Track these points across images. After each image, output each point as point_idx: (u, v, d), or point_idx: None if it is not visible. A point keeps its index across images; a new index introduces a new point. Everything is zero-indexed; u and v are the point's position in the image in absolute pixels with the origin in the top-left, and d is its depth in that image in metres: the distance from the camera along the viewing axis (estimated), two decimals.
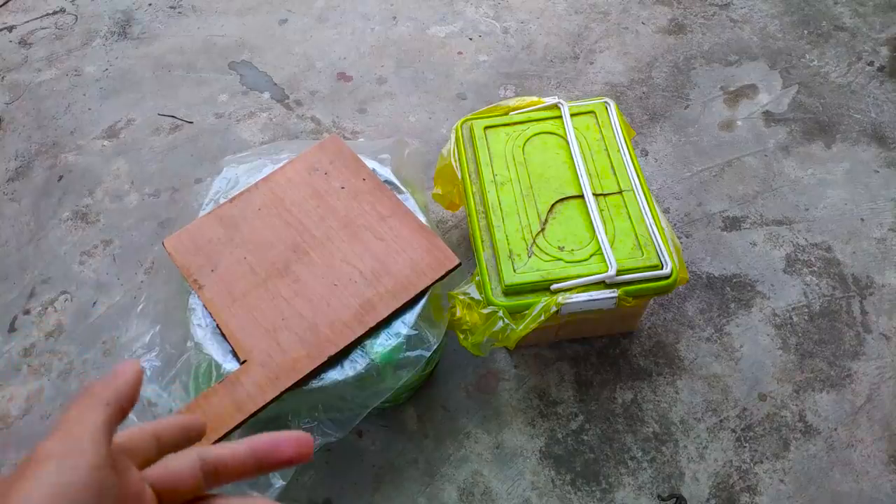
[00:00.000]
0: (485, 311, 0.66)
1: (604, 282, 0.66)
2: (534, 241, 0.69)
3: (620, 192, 0.72)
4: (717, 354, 0.82)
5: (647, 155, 1.02)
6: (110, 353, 0.86)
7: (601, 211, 0.70)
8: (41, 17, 1.31)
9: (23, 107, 1.15)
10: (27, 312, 0.91)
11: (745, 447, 0.75)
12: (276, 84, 1.16)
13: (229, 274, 0.66)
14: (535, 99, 0.81)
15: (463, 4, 1.25)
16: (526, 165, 0.75)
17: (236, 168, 0.76)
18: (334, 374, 0.61)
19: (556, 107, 0.79)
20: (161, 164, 1.06)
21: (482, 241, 0.70)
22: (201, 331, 0.64)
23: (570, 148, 0.75)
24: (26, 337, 0.89)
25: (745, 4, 1.21)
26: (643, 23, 1.20)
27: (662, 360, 0.82)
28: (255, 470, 0.28)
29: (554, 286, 0.66)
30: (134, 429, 0.27)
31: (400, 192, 0.73)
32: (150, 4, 1.31)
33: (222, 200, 0.72)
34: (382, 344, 0.62)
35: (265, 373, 0.59)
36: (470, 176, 0.75)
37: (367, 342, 0.62)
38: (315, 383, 0.60)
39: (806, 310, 0.85)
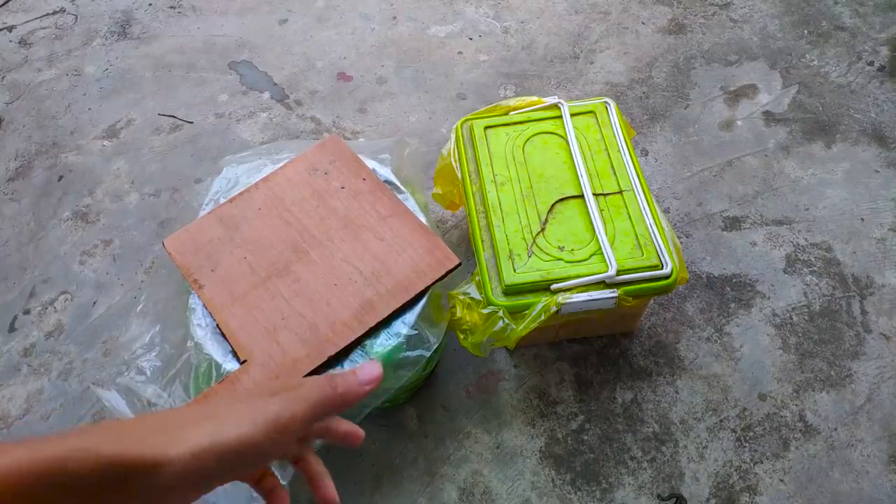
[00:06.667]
0: (485, 311, 0.66)
1: (604, 282, 0.66)
2: (534, 241, 0.69)
3: (620, 192, 0.72)
4: (717, 354, 0.82)
5: (647, 155, 1.02)
6: (110, 353, 0.86)
7: (601, 211, 0.70)
8: (41, 17, 1.31)
9: (23, 107, 1.15)
10: (27, 312, 0.91)
11: (745, 447, 0.75)
12: (276, 84, 1.16)
13: (229, 274, 0.66)
14: (535, 99, 0.81)
15: (463, 4, 1.25)
16: (526, 165, 0.75)
17: (236, 168, 0.76)
18: None
19: (556, 107, 0.79)
20: (161, 164, 1.06)
21: (482, 241, 0.70)
22: (201, 331, 0.64)
23: (570, 148, 0.75)
24: (26, 337, 0.89)
25: (745, 4, 1.21)
26: (643, 23, 1.20)
27: (662, 360, 0.82)
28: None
29: (554, 286, 0.66)
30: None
31: (400, 192, 0.73)
32: (150, 4, 1.31)
33: (222, 200, 0.72)
34: (382, 344, 0.62)
35: (265, 373, 0.59)
36: (470, 176, 0.75)
37: (367, 342, 0.62)
38: None
39: (806, 310, 0.85)
